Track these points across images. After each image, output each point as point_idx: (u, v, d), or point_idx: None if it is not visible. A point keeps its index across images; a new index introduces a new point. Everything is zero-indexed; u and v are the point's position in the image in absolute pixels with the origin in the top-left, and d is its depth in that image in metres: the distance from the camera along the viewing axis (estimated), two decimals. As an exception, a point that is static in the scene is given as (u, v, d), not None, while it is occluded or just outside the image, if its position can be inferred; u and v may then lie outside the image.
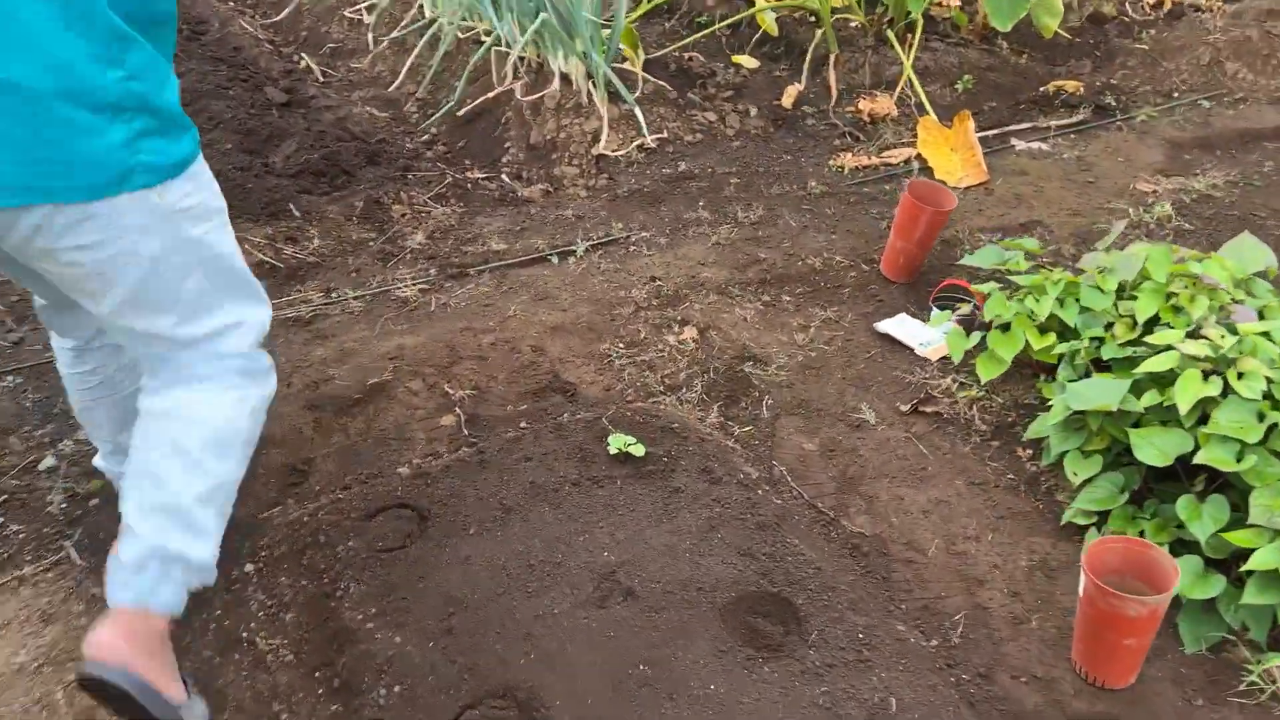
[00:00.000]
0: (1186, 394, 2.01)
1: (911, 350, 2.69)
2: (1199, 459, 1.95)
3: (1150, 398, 2.07)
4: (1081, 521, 2.13)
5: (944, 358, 2.65)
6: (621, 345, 2.68)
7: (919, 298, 2.90)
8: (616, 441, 2.24)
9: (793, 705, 1.73)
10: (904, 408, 2.49)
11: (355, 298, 2.88)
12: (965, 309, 2.62)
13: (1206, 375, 2.05)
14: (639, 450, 2.23)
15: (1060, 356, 2.37)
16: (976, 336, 2.47)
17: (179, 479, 1.62)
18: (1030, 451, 2.37)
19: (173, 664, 1.65)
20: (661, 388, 2.53)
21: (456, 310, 2.82)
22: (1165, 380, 2.12)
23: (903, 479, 2.30)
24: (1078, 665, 1.86)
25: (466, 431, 2.40)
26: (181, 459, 1.62)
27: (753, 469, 2.29)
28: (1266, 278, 2.52)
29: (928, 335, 2.72)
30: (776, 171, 3.51)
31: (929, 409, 2.49)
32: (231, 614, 1.99)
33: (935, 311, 2.76)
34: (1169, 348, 2.15)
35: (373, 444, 2.37)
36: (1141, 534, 2.05)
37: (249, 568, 2.07)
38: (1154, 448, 2.02)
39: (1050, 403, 2.28)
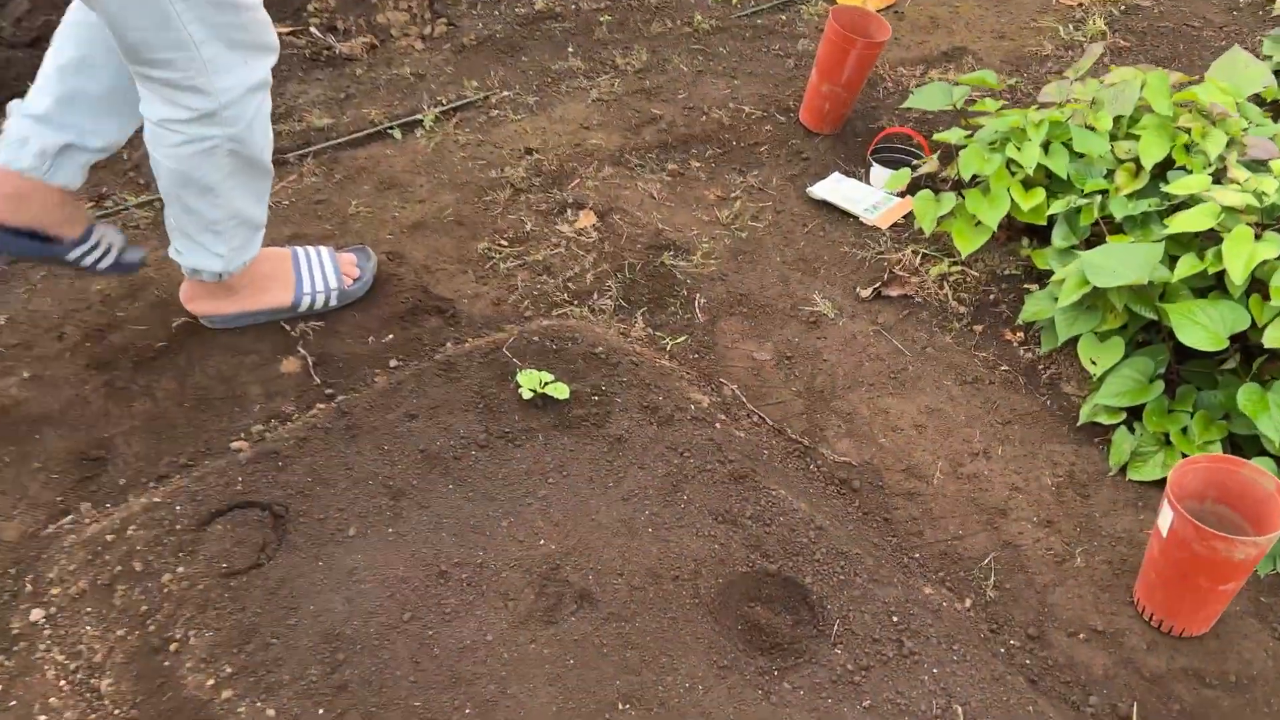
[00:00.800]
0: (1239, 257, 1.62)
1: (856, 218, 2.22)
2: (1269, 341, 1.57)
3: (1189, 264, 1.68)
4: (1105, 420, 1.76)
5: (896, 224, 2.20)
6: (504, 243, 2.10)
7: (850, 152, 2.41)
8: (529, 380, 1.71)
9: (827, 729, 1.31)
10: (864, 293, 2.04)
11: (138, 205, 2.17)
12: (929, 166, 2.15)
13: (1257, 231, 1.66)
14: (561, 391, 1.70)
15: (1052, 218, 1.95)
16: (949, 200, 2.01)
17: (172, 210, 1.68)
18: (1022, 334, 1.97)
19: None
20: (566, 295, 1.98)
21: (278, 212, 2.16)
22: (1187, 241, 1.74)
23: (882, 386, 1.86)
24: (1146, 610, 1.50)
25: (319, 379, 1.80)
26: (170, 195, 1.66)
27: (702, 395, 1.80)
28: (1263, 101, 2.15)
29: (871, 198, 2.25)
30: (653, 4, 2.91)
31: (894, 292, 2.04)
32: (19, 688, 1.39)
33: (876, 168, 2.29)
34: (1194, 199, 1.76)
35: (191, 410, 1.75)
36: (1185, 431, 1.69)
37: (36, 615, 1.47)
38: (1201, 328, 1.64)
39: (1050, 277, 1.87)
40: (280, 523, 1.54)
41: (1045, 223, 1.95)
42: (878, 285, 2.03)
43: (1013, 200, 1.93)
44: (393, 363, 1.83)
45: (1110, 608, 1.54)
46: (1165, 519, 1.40)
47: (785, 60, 2.71)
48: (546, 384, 1.69)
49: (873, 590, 1.47)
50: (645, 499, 1.57)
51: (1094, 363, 1.77)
